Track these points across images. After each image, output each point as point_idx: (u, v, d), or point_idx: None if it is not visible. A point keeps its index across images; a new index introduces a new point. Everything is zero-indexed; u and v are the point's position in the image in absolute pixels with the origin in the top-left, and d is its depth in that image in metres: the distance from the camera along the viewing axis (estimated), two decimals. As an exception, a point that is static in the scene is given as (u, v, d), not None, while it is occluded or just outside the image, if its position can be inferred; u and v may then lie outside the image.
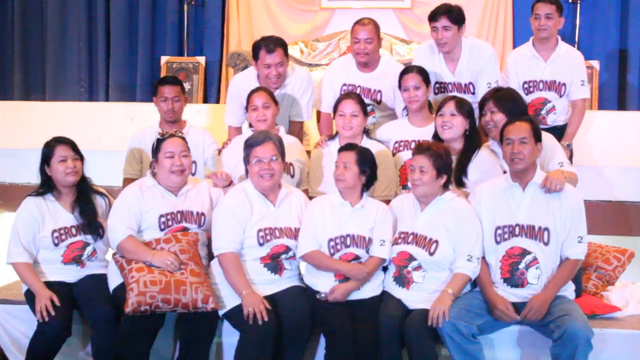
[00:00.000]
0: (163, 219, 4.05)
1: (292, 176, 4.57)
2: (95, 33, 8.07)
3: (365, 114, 4.54)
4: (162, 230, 4.06)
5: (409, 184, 4.11)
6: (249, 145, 4.06)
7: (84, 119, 6.37)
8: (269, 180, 4.02)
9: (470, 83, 4.91)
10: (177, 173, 4.10)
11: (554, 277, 3.89)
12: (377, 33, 4.98)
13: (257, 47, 4.83)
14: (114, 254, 4.06)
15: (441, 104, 4.38)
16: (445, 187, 4.03)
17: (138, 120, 6.06)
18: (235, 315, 3.90)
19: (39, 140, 4.12)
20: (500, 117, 4.25)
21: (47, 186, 4.19)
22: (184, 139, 4.22)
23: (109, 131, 6.11)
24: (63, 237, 4.13)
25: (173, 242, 3.98)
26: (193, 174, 4.73)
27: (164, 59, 7.76)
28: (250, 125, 4.66)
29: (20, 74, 8.22)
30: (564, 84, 5.01)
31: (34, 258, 4.12)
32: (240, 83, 5.03)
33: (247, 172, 4.13)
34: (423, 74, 4.60)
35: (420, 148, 3.99)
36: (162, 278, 3.83)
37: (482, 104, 4.41)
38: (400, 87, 4.64)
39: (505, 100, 4.32)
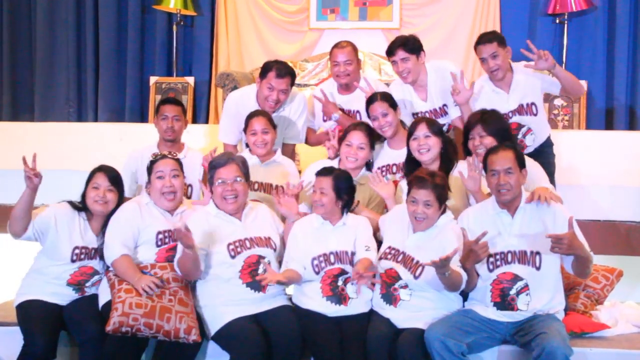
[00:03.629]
0: (160, 236, 4.06)
1: None
2: (84, 53, 8.08)
3: (372, 148, 4.55)
4: (158, 246, 4.08)
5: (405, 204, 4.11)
6: (213, 166, 4.07)
7: (72, 140, 6.36)
8: (233, 203, 4.03)
9: (445, 105, 4.93)
10: (166, 195, 4.15)
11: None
12: (356, 54, 5.06)
13: (267, 67, 4.83)
14: (107, 271, 4.08)
15: (412, 127, 4.40)
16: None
17: (127, 141, 6.06)
18: (224, 337, 3.89)
19: (27, 161, 4.11)
20: (489, 141, 4.27)
21: (83, 206, 4.23)
22: (177, 160, 4.27)
23: (98, 152, 6.09)
24: (82, 256, 4.15)
25: (168, 268, 4.01)
26: (189, 197, 4.75)
27: (152, 79, 7.76)
28: (247, 145, 4.70)
29: (9, 95, 8.20)
30: (534, 103, 4.87)
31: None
32: (238, 101, 5.03)
33: (212, 192, 4.12)
34: (388, 99, 4.63)
35: (422, 181, 3.92)
36: (148, 302, 3.83)
37: (468, 128, 4.41)
38: (369, 117, 4.67)
39: (493, 122, 4.34)
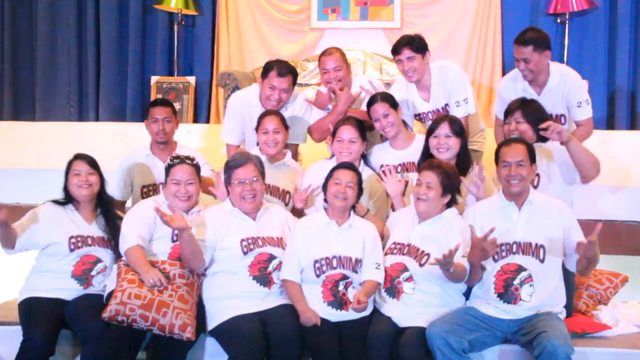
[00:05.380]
0: (177, 231, 4.04)
1: (287, 204, 4.59)
2: (85, 53, 8.06)
3: (364, 139, 4.55)
4: (174, 241, 4.11)
5: (412, 196, 4.12)
6: (230, 167, 4.09)
7: (73, 139, 6.36)
8: (252, 202, 4.06)
9: (447, 104, 4.91)
10: (181, 199, 4.18)
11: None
12: (344, 60, 5.05)
13: (269, 67, 4.83)
14: (119, 259, 4.12)
15: (434, 124, 4.39)
16: (448, 206, 4.04)
17: (127, 141, 6.06)
18: (222, 333, 3.91)
19: (28, 161, 4.12)
20: (525, 127, 4.31)
21: (68, 199, 4.25)
22: (194, 165, 4.26)
23: (99, 151, 6.07)
24: (79, 244, 4.17)
25: (177, 265, 4.03)
26: None
27: (154, 79, 7.75)
28: (257, 143, 4.68)
29: (10, 94, 8.19)
30: (563, 115, 4.79)
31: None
32: (241, 100, 5.03)
33: (228, 192, 4.16)
34: (388, 100, 4.62)
35: (430, 164, 4.02)
36: (148, 295, 3.85)
37: (508, 113, 4.43)
38: (371, 119, 4.65)
39: (533, 111, 4.37)
